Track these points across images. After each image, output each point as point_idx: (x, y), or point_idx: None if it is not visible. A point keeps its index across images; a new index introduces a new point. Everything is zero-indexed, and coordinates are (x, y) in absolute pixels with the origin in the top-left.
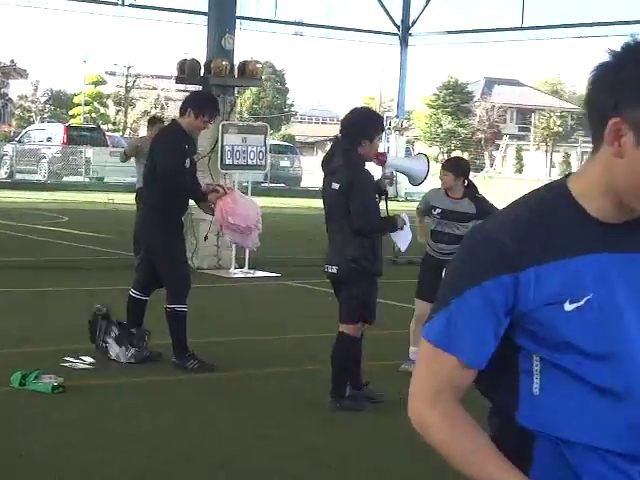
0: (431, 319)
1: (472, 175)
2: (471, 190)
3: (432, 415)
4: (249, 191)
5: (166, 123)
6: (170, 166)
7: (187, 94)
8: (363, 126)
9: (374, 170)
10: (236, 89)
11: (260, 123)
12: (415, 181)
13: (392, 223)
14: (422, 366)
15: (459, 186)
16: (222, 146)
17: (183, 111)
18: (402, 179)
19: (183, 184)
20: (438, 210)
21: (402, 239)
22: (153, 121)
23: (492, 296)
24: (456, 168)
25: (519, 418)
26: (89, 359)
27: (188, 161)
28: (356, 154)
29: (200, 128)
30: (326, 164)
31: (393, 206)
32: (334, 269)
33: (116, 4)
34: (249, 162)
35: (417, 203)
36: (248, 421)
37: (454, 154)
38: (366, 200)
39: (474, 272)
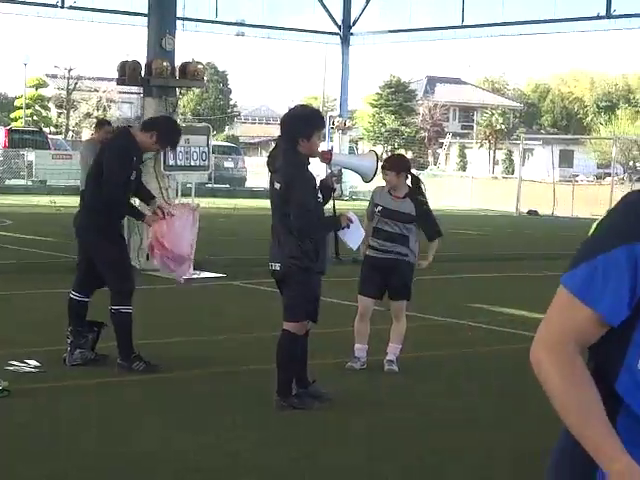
0: (573, 268)
1: (416, 173)
2: (414, 191)
3: (548, 360)
4: (192, 192)
5: (114, 125)
6: (116, 180)
7: (130, 95)
8: (299, 125)
9: (320, 168)
10: (178, 90)
11: (203, 124)
12: (364, 178)
13: (334, 222)
14: (553, 311)
15: (403, 184)
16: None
17: (147, 130)
18: (347, 178)
19: (122, 201)
20: (379, 207)
21: (351, 237)
22: (101, 123)
23: (638, 259)
24: (397, 166)
25: (616, 385)
26: (34, 362)
27: (134, 173)
28: (295, 153)
29: (150, 150)
30: (271, 163)
31: (338, 205)
32: (277, 266)
33: (55, 6)
34: (192, 163)
35: (362, 201)
36: (196, 421)
37: (398, 153)
38: (304, 200)
39: (626, 232)
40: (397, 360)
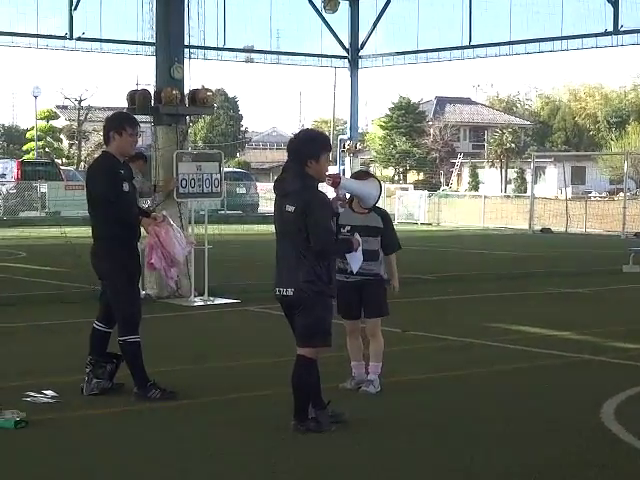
0: None
1: (428, 194)
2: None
3: None
4: (206, 219)
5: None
6: (107, 194)
7: (141, 124)
8: (306, 147)
9: (327, 192)
10: (188, 117)
11: (215, 150)
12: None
13: (349, 244)
14: None
15: None
16: (177, 175)
17: (107, 138)
18: None
19: (124, 209)
20: (347, 227)
21: (355, 260)
22: (136, 157)
23: None
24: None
25: None
26: (51, 393)
27: (127, 185)
28: (307, 175)
29: (130, 144)
30: (278, 187)
31: None
32: (289, 291)
33: (64, 38)
34: (205, 190)
35: None
36: (214, 448)
37: (409, 174)
38: (326, 222)
39: None
40: (379, 378)
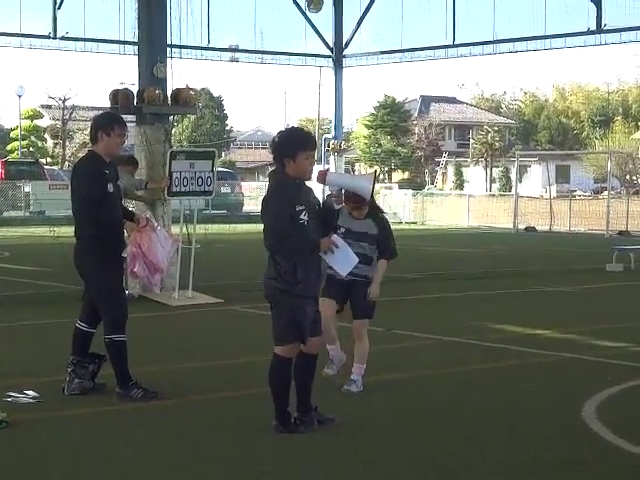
0: None
1: (413, 193)
2: (374, 210)
3: None
4: (195, 219)
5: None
6: (91, 194)
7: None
8: (283, 146)
9: (317, 190)
10: (171, 117)
11: (209, 148)
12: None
13: (312, 246)
14: None
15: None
16: (170, 173)
17: (94, 137)
18: None
19: (107, 210)
20: (343, 229)
21: (339, 262)
22: (128, 161)
23: None
24: None
25: None
26: (33, 393)
27: (111, 185)
28: (281, 174)
29: (117, 144)
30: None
31: None
32: (263, 287)
33: (48, 37)
34: (196, 188)
35: None
36: (197, 448)
37: (395, 174)
38: (274, 220)
39: None
40: (362, 379)
